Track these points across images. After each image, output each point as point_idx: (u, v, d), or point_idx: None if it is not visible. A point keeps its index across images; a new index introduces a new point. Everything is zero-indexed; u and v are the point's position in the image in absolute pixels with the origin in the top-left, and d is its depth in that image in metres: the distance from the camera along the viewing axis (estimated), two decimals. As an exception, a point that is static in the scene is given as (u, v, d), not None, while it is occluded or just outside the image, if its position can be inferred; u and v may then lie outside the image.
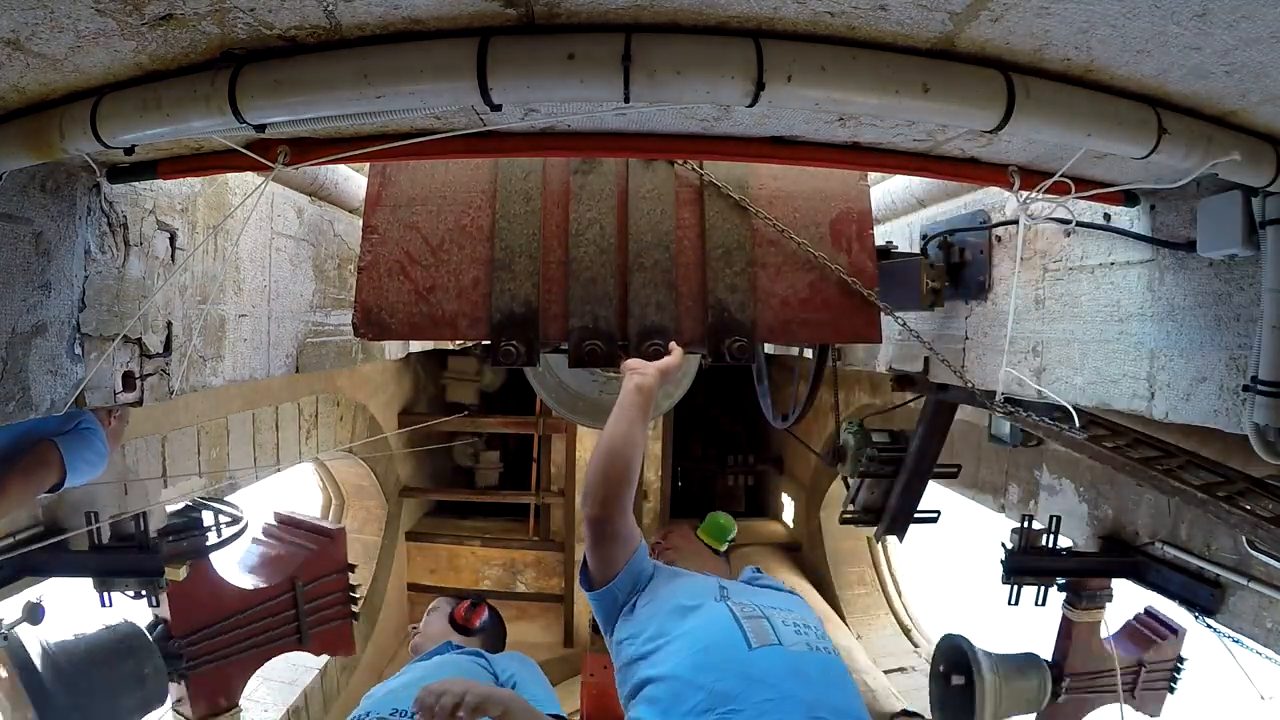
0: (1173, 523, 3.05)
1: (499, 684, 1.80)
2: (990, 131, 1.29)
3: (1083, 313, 2.40)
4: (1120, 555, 3.36)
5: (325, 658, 6.91)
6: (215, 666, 3.75)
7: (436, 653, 1.94)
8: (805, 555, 9.10)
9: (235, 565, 4.30)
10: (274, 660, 6.37)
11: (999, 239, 2.88)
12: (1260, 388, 1.69)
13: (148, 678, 3.26)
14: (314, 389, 5.80)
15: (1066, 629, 3.99)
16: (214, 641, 3.74)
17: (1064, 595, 3.88)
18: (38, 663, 2.91)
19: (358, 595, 4.72)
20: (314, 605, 4.34)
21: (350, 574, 4.66)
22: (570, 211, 2.55)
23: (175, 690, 3.65)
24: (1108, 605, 3.86)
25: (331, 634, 4.47)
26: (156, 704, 3.34)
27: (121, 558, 3.17)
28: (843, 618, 8.00)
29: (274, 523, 4.68)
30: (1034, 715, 4.07)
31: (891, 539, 4.46)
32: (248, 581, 4.16)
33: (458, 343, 6.30)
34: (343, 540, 4.68)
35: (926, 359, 3.38)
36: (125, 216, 2.09)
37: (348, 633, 4.59)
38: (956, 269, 3.02)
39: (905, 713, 5.41)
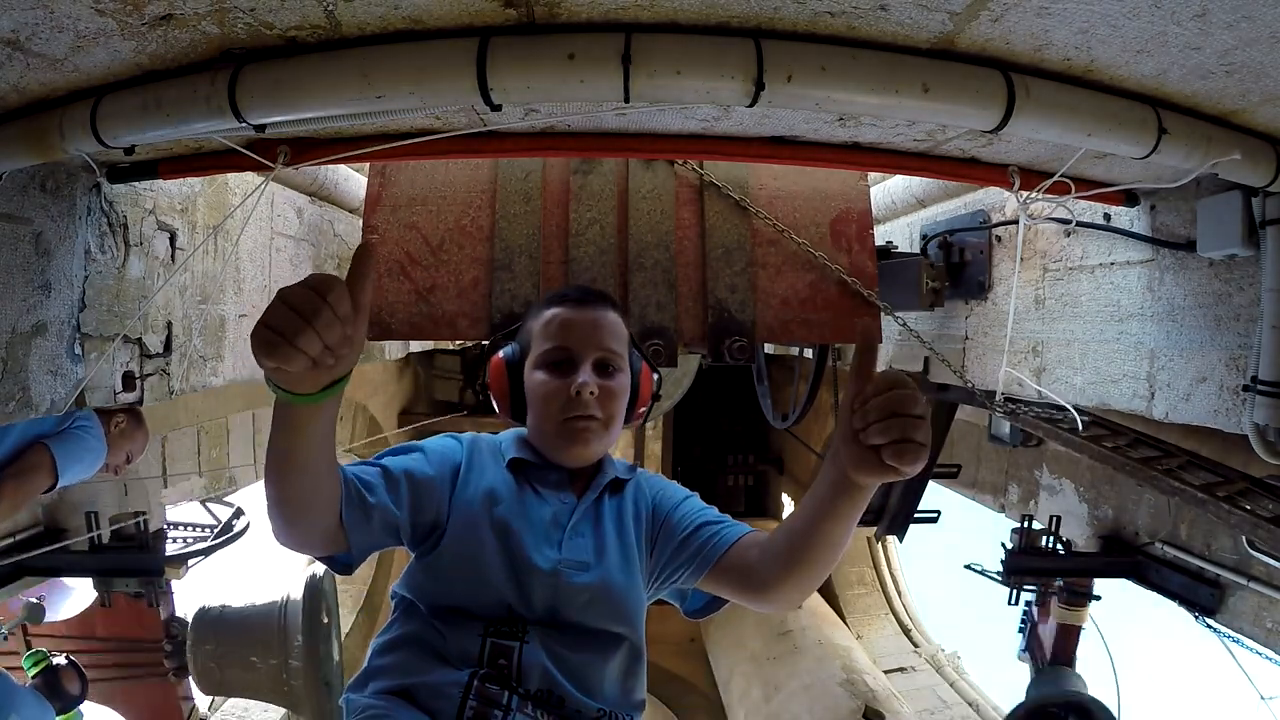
0: (1173, 523, 3.05)
1: None
2: (990, 131, 1.29)
3: (1083, 313, 2.40)
4: (1120, 555, 3.36)
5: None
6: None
7: None
8: (805, 555, 9.11)
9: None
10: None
11: (999, 239, 2.88)
12: (1260, 388, 1.69)
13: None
14: (314, 389, 5.79)
15: (1065, 632, 3.97)
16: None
17: (1055, 598, 3.84)
18: None
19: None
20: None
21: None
22: (570, 211, 2.55)
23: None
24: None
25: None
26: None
27: (121, 558, 3.18)
28: (843, 618, 8.00)
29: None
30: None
31: (891, 538, 4.46)
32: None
33: (457, 343, 6.30)
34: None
35: (926, 359, 3.37)
36: (125, 216, 2.09)
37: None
38: (956, 269, 3.02)
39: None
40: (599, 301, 1.27)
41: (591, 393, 1.17)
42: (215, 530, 3.79)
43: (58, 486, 2.52)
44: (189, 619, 4.29)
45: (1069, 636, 4.03)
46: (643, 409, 1.34)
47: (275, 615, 4.49)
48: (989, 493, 4.47)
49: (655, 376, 1.37)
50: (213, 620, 4.36)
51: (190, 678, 4.25)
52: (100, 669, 3.76)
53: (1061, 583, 3.73)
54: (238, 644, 4.36)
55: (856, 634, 7.85)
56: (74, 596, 3.85)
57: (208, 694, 4.56)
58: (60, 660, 3.12)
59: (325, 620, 4.48)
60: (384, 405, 7.94)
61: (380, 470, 1.10)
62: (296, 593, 4.54)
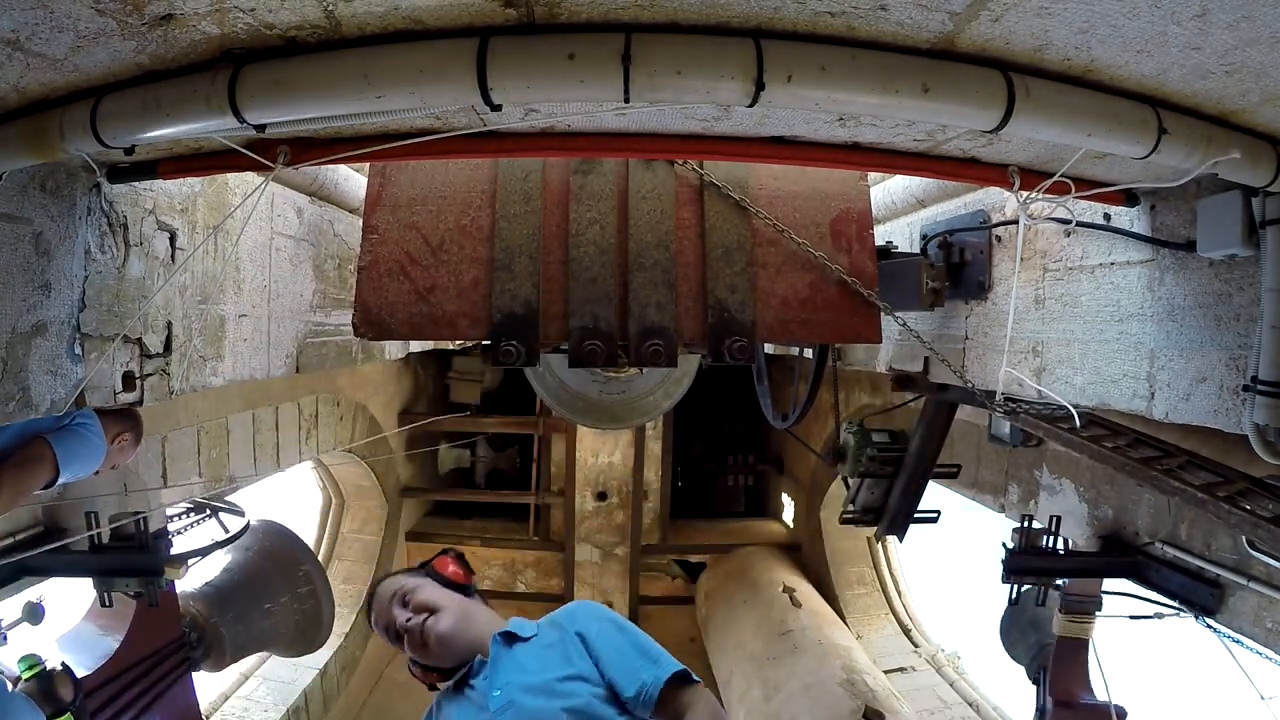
0: (1173, 523, 3.04)
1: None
2: (990, 131, 1.29)
3: (1083, 313, 2.40)
4: (1120, 555, 3.35)
5: (326, 656, 6.91)
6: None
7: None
8: (805, 555, 9.10)
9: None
10: (274, 660, 6.36)
11: (999, 239, 2.88)
12: (1260, 388, 1.69)
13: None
14: (314, 389, 5.80)
15: (1069, 647, 3.82)
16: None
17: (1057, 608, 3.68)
18: None
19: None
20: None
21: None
22: (570, 211, 2.55)
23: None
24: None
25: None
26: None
27: (121, 558, 3.17)
28: (843, 618, 8.00)
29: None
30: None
31: (891, 539, 4.46)
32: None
33: (458, 343, 6.29)
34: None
35: (926, 359, 3.37)
36: (125, 216, 2.09)
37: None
38: (956, 269, 3.02)
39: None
40: (376, 590, 1.75)
41: (408, 622, 1.62)
42: (212, 512, 3.82)
43: (59, 482, 2.50)
44: (192, 605, 4.32)
45: (1075, 653, 3.88)
46: (465, 581, 1.77)
47: (260, 562, 4.78)
48: (989, 493, 4.47)
49: (451, 566, 1.77)
50: (215, 592, 4.51)
51: (212, 661, 4.30)
52: (146, 695, 3.77)
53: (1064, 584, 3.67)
54: (248, 599, 4.62)
55: (856, 634, 7.84)
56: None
57: (235, 661, 4.66)
58: (55, 666, 3.12)
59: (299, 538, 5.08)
60: (384, 405, 7.93)
61: None
62: (260, 541, 4.79)
